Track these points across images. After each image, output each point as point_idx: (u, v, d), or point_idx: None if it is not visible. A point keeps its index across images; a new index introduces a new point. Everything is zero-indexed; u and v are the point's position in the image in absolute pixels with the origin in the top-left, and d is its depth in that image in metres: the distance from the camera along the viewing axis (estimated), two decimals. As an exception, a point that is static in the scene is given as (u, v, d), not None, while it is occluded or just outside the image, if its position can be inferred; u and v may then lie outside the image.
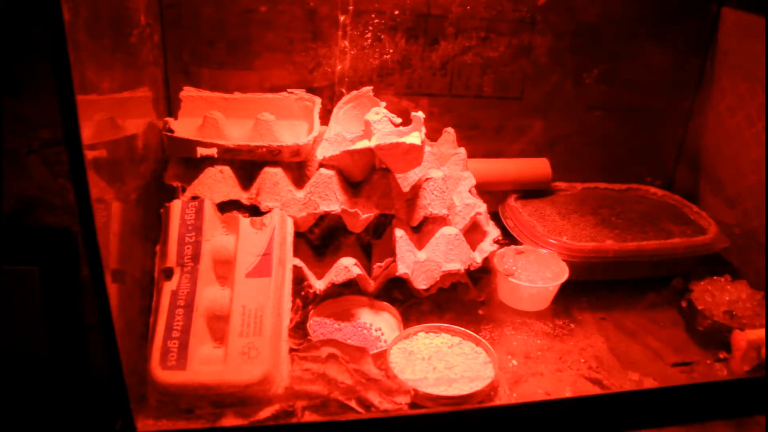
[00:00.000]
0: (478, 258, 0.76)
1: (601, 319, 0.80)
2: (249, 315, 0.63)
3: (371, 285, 0.75)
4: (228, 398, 0.59)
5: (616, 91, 0.99)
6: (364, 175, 0.77)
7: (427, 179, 0.77)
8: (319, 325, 0.72)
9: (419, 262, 0.75)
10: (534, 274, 0.81)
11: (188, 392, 0.58)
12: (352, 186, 0.77)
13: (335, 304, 0.76)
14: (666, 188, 1.03)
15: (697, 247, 0.86)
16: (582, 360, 0.72)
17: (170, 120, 0.76)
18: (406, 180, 0.77)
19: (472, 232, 0.81)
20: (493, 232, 0.80)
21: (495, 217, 0.88)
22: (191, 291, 0.64)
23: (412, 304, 0.78)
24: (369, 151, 0.73)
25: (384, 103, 0.81)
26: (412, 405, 0.62)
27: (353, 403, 0.61)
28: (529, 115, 0.99)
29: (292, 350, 0.65)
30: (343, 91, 0.88)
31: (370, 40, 0.88)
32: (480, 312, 0.79)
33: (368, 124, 0.77)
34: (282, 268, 0.68)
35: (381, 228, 0.81)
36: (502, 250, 0.82)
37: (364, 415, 0.61)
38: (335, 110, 0.85)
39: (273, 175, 0.73)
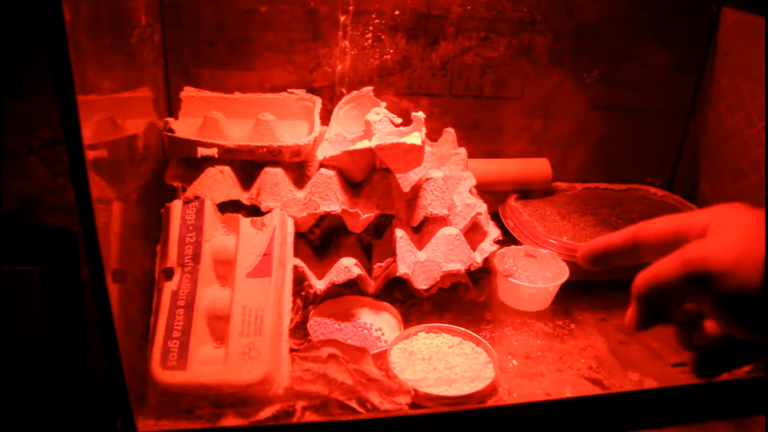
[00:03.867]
0: (478, 258, 0.76)
1: (601, 320, 0.80)
2: (249, 315, 0.63)
3: (371, 285, 0.75)
4: (228, 398, 0.59)
5: (616, 91, 0.99)
6: (365, 175, 0.77)
7: (427, 179, 0.77)
8: (320, 325, 0.72)
9: (419, 262, 0.75)
10: (534, 274, 0.81)
11: (188, 392, 0.58)
12: (353, 186, 0.77)
13: (335, 304, 0.76)
14: (666, 188, 1.03)
15: (698, 247, 0.86)
16: (582, 360, 0.72)
17: (171, 120, 0.76)
18: (406, 180, 0.77)
19: (473, 233, 0.81)
20: (494, 232, 0.80)
21: (495, 217, 0.88)
22: (192, 291, 0.64)
23: (413, 304, 0.78)
24: (369, 152, 0.73)
25: (384, 103, 0.81)
26: (413, 405, 0.62)
27: (353, 404, 0.61)
28: (529, 115, 0.99)
29: (292, 350, 0.65)
30: (344, 91, 0.88)
31: (370, 40, 0.88)
32: (480, 312, 0.79)
33: (368, 124, 0.77)
34: (282, 268, 0.68)
35: (381, 228, 0.81)
36: (503, 250, 0.82)
37: (364, 415, 0.61)
38: (335, 110, 0.85)
39: (273, 175, 0.73)
